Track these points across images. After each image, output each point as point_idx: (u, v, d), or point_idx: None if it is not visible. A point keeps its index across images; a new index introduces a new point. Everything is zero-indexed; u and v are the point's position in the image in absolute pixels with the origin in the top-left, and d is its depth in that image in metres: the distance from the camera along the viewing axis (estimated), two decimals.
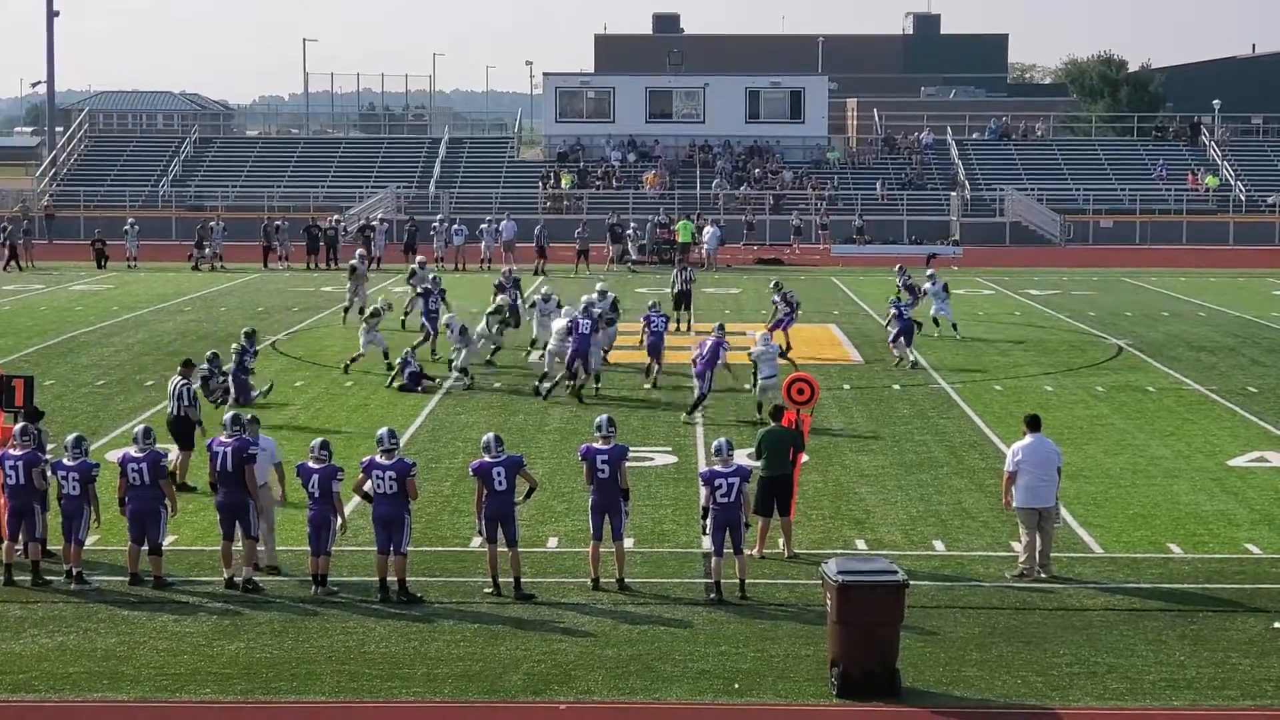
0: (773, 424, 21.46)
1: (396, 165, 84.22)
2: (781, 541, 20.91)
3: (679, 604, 18.88)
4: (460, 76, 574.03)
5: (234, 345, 31.77)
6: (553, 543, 21.55)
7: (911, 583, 16.96)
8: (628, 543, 20.30)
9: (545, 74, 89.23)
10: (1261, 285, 57.35)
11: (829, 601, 16.26)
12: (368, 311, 37.01)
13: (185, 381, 25.34)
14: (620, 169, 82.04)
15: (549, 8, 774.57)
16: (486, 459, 19.23)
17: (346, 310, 43.94)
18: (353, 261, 45.56)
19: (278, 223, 65.00)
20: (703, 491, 19.47)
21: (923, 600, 18.76)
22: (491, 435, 19.57)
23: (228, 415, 20.55)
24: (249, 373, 31.29)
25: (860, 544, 21.59)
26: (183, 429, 25.15)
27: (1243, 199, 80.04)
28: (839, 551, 20.60)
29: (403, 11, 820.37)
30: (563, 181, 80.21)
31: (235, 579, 19.37)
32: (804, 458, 22.32)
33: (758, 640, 17.54)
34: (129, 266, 62.05)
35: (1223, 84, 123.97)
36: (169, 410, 25.49)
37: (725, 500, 19.11)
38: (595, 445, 19.61)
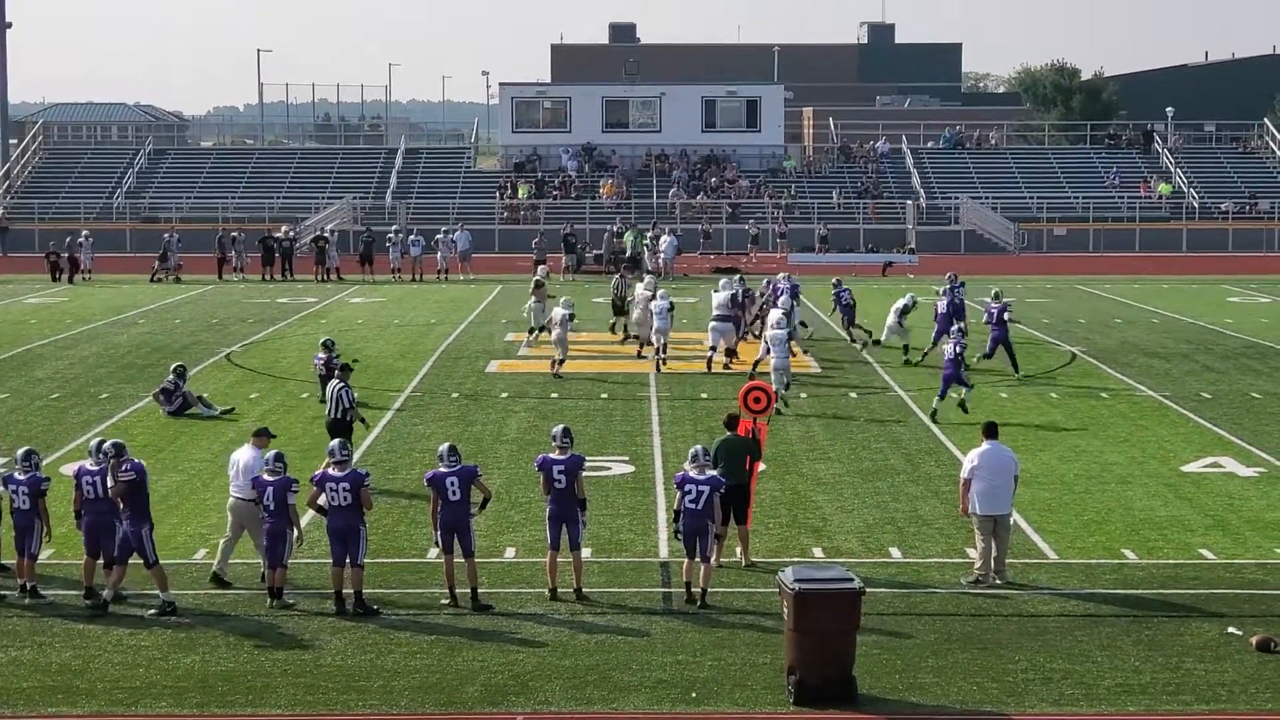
0: (729, 433, 21.48)
1: (352, 176, 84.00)
2: (738, 550, 20.95)
3: (636, 613, 18.89)
4: (416, 87, 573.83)
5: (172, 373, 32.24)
6: (510, 553, 21.53)
7: (868, 590, 17.01)
8: (585, 553, 20.30)
9: (501, 84, 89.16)
10: (1215, 292, 57.68)
11: (786, 609, 16.29)
12: (563, 314, 37.04)
13: (344, 384, 25.86)
14: (577, 179, 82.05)
15: (505, 18, 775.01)
16: (441, 469, 19.22)
17: (541, 329, 41.26)
18: (538, 276, 45.07)
19: (233, 234, 64.83)
20: (676, 495, 19.52)
21: (879, 607, 18.82)
22: (446, 445, 19.56)
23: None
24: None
25: (817, 552, 21.63)
26: (340, 431, 25.51)
27: (1196, 206, 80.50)
28: (796, 560, 20.64)
29: (358, 21, 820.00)
30: (520, 191, 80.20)
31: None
32: (761, 466, 22.36)
33: (715, 649, 17.56)
34: (84, 279, 61.78)
35: (1176, 91, 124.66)
36: (328, 412, 26.01)
37: (693, 507, 19.16)
38: (552, 455, 19.62)
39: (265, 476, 19.27)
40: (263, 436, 20.80)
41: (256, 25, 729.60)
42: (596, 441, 28.80)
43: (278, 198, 79.87)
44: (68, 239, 63.78)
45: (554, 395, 34.16)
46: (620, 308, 44.14)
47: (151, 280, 61.30)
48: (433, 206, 78.52)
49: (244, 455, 20.52)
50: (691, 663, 17.13)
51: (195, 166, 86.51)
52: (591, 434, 29.48)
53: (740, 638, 17.96)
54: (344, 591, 18.91)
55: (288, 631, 18.20)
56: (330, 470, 19.06)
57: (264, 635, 18.06)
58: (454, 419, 31.49)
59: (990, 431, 20.60)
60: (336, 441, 19.42)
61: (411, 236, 64.38)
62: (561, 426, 19.99)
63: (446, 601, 19.12)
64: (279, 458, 19.52)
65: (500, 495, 24.44)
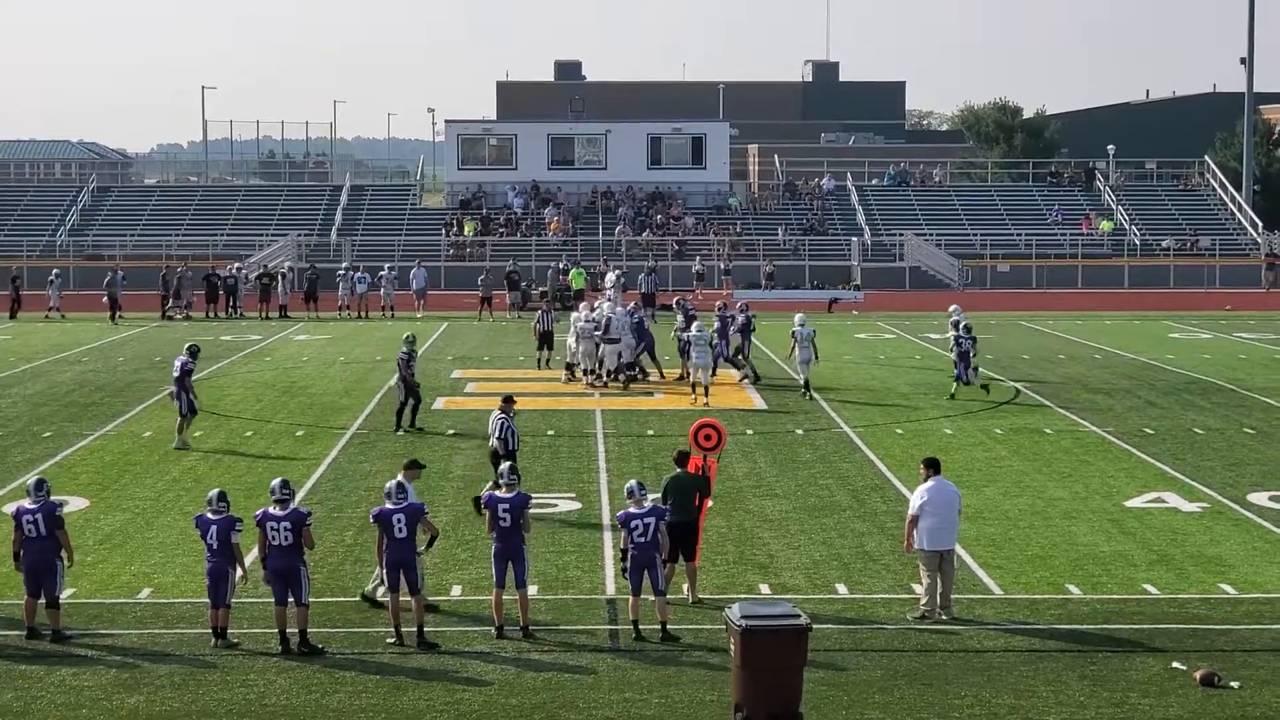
0: (679, 470, 21.47)
1: (297, 212, 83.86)
2: (686, 587, 20.94)
3: (583, 651, 18.86)
4: (362, 123, 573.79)
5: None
6: (457, 590, 21.47)
7: (814, 626, 17.03)
8: (531, 590, 20.26)
9: (447, 121, 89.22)
10: (1157, 328, 58.09)
11: (733, 646, 16.29)
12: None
13: (505, 416, 26.18)
14: (523, 216, 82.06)
15: (451, 54, 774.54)
16: (388, 506, 19.18)
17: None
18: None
19: (181, 272, 64.37)
20: (622, 534, 19.53)
21: (826, 643, 18.84)
22: (393, 482, 19.53)
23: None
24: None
25: (764, 588, 21.64)
26: (507, 458, 25.54)
27: (1137, 243, 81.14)
28: (743, 596, 20.64)
29: (302, 58, 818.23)
30: (465, 229, 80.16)
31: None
32: (709, 503, 22.36)
33: (661, 686, 17.54)
34: (46, 317, 61.27)
35: (1117, 129, 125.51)
36: (491, 444, 26.29)
37: (642, 540, 19.22)
38: (497, 493, 19.60)
39: (208, 515, 19.18)
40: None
41: (201, 62, 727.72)
42: (543, 478, 28.77)
43: (222, 235, 79.63)
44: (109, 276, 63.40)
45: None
46: (546, 341, 45.18)
47: (164, 317, 61.02)
48: (378, 243, 78.44)
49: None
50: (639, 700, 17.10)
51: (139, 204, 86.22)
52: (538, 471, 29.45)
53: (687, 675, 17.94)
54: (288, 631, 18.80)
55: (232, 671, 18.08)
56: (271, 509, 18.99)
57: (208, 675, 17.93)
58: (400, 456, 31.33)
59: (933, 466, 20.69)
60: (278, 480, 19.34)
61: (358, 274, 64.27)
62: (508, 464, 19.97)
63: (393, 640, 19.03)
64: (222, 496, 19.43)
65: (447, 533, 24.38)
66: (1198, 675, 17.76)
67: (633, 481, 19.92)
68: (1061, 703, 17.07)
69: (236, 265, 67.36)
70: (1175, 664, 18.29)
